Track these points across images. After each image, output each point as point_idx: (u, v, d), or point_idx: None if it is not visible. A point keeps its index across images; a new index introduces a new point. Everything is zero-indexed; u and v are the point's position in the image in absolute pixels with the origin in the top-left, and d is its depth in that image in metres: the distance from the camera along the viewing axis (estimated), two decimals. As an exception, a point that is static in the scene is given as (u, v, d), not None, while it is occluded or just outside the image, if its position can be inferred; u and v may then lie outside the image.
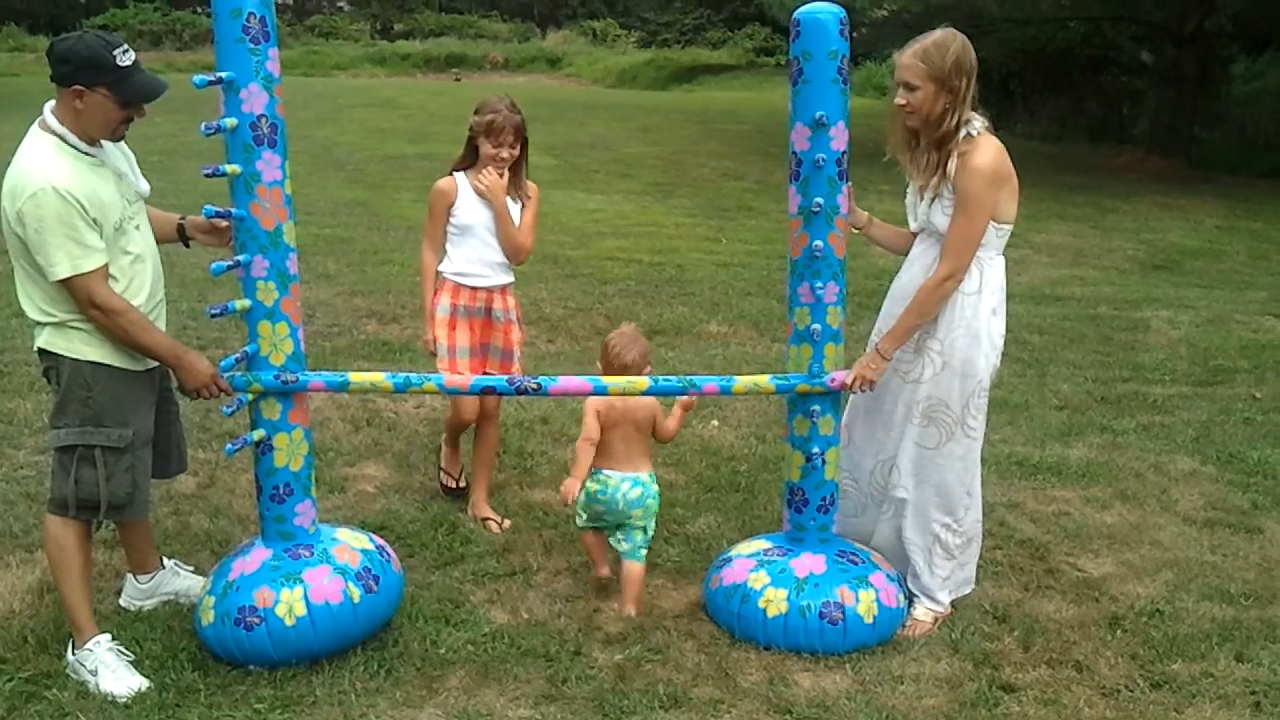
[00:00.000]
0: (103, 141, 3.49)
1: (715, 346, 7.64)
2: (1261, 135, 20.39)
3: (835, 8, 3.52)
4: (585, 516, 4.15)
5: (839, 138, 3.58)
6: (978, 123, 3.68)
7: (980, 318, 3.75)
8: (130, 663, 3.61)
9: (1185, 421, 6.28)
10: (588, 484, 4.04)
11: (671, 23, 47.36)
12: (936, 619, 3.96)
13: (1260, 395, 6.80)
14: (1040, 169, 17.82)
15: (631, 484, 4.04)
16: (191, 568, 4.22)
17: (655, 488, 4.12)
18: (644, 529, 4.09)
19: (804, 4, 3.56)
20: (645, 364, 4.05)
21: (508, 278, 4.81)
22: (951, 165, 3.65)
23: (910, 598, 4.01)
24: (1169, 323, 8.57)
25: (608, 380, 3.77)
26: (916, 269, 3.84)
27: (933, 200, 3.74)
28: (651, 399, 4.06)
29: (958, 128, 3.65)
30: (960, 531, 3.96)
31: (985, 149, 3.64)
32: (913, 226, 3.85)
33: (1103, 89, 22.88)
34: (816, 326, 3.71)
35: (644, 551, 4.09)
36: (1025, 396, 6.64)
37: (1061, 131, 22.52)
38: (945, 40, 3.63)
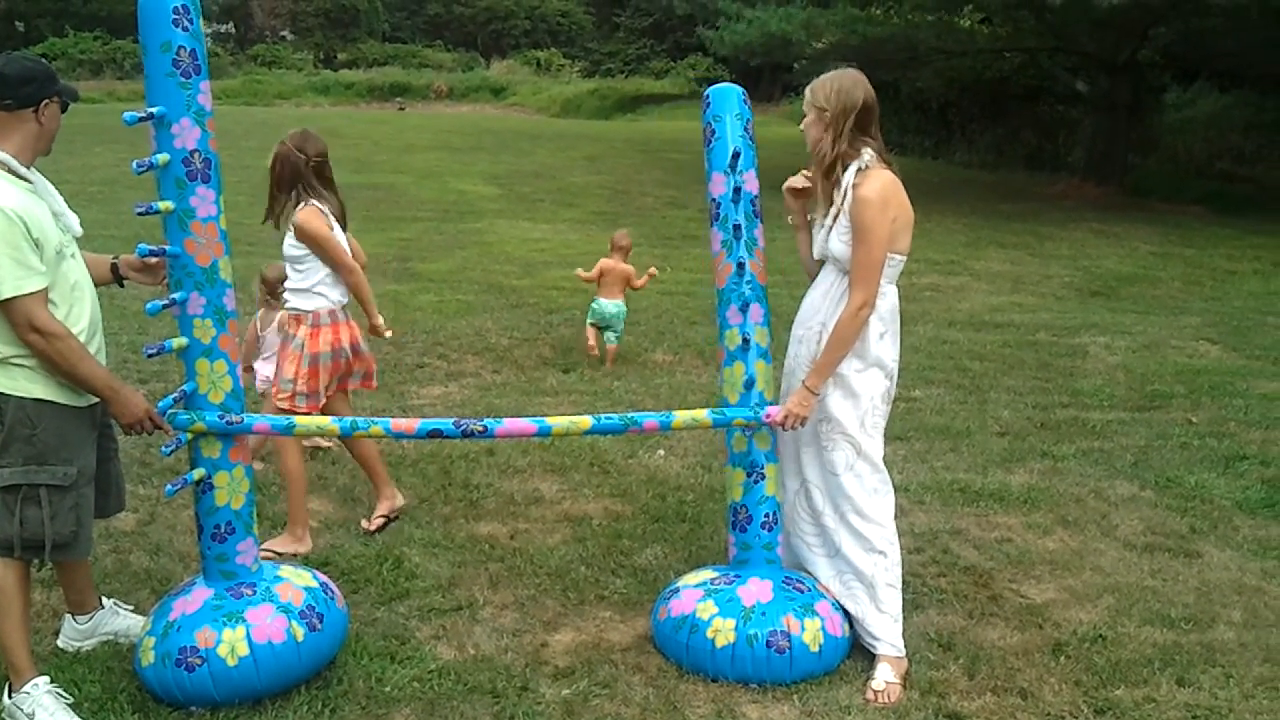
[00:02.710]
0: (34, 174, 3.46)
1: (661, 375, 7.66)
2: (1193, 163, 20.86)
3: (737, 88, 3.97)
4: (591, 319, 7.87)
5: (750, 179, 3.90)
6: (867, 156, 3.79)
7: (868, 342, 3.84)
8: (69, 705, 3.53)
9: (1124, 447, 6.38)
10: (592, 304, 7.85)
11: (615, 53, 47.67)
12: (903, 675, 3.86)
13: (1196, 420, 6.92)
14: (978, 197, 18.10)
15: (614, 305, 7.70)
16: (131, 607, 4.15)
17: (625, 309, 7.89)
18: (617, 330, 7.85)
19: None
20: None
21: None
22: (837, 195, 3.81)
23: (872, 658, 3.95)
24: (1106, 348, 8.71)
25: (551, 420, 3.76)
26: (817, 294, 3.95)
27: (830, 228, 3.86)
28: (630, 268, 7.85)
29: (837, 160, 3.81)
30: (892, 565, 3.96)
31: (874, 180, 3.75)
32: (815, 254, 3.93)
33: (1039, 118, 23.27)
34: (744, 336, 3.88)
35: (616, 337, 7.83)
36: (967, 423, 6.71)
37: (999, 160, 22.89)
38: (835, 77, 3.84)
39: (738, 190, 3.87)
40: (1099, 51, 18.97)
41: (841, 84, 3.80)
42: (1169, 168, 20.73)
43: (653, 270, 8.10)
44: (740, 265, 3.87)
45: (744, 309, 3.90)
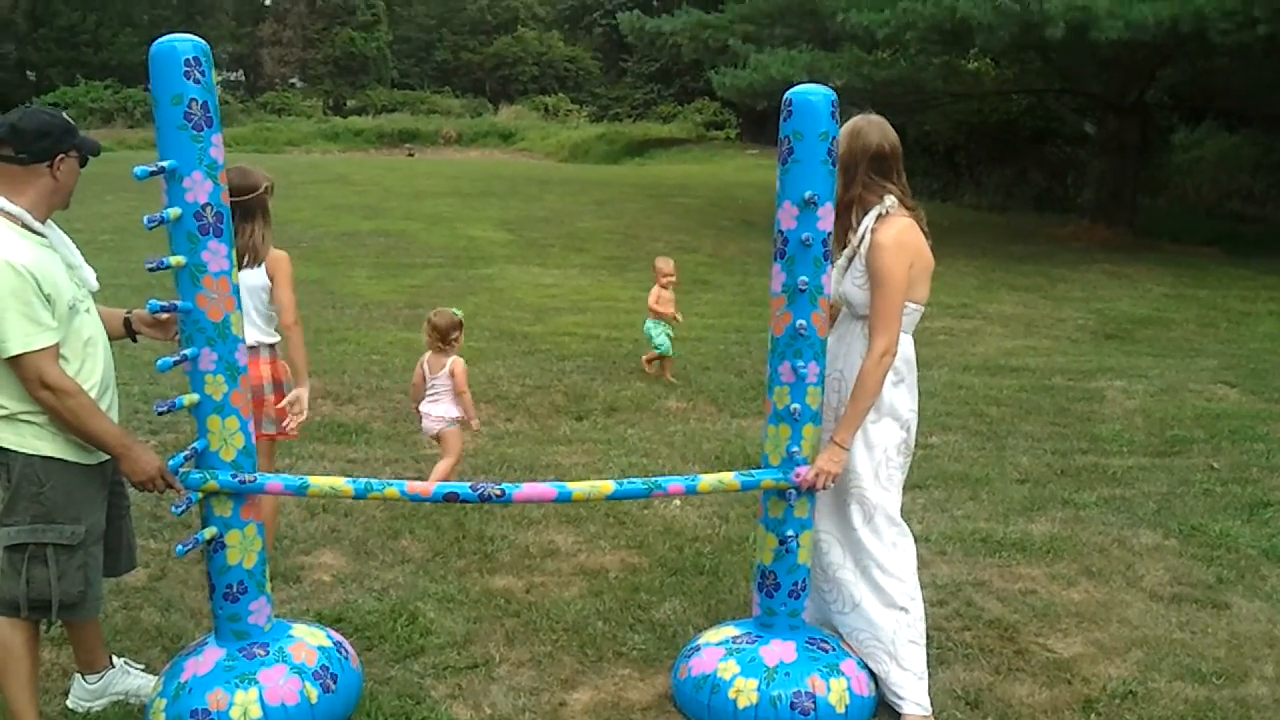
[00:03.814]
0: (50, 228, 3.43)
1: (675, 423, 7.59)
2: (1203, 203, 20.86)
3: (827, 90, 3.53)
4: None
5: (826, 218, 3.56)
6: (889, 201, 3.75)
7: (882, 391, 3.76)
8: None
9: (1146, 494, 6.29)
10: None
11: (622, 97, 48.00)
12: None
13: (1218, 465, 6.83)
14: (989, 239, 18.09)
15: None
16: (142, 666, 4.08)
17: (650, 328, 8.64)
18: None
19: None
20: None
21: None
22: (852, 237, 3.78)
23: (898, 717, 3.88)
24: (1124, 392, 8.63)
25: (572, 485, 3.68)
26: (833, 339, 3.88)
27: (844, 270, 3.82)
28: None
29: (851, 204, 3.77)
30: (915, 620, 3.89)
31: (891, 226, 3.72)
32: (831, 296, 3.84)
33: (1047, 159, 23.32)
34: (796, 406, 3.66)
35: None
36: (986, 470, 6.63)
37: (1008, 201, 22.92)
38: (852, 122, 3.80)
39: (807, 234, 3.53)
40: (1106, 92, 19.02)
41: (855, 128, 3.77)
42: (1179, 208, 20.74)
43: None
44: (800, 325, 3.61)
45: (799, 368, 3.65)
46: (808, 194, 3.49)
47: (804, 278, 3.56)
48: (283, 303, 4.65)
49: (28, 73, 49.58)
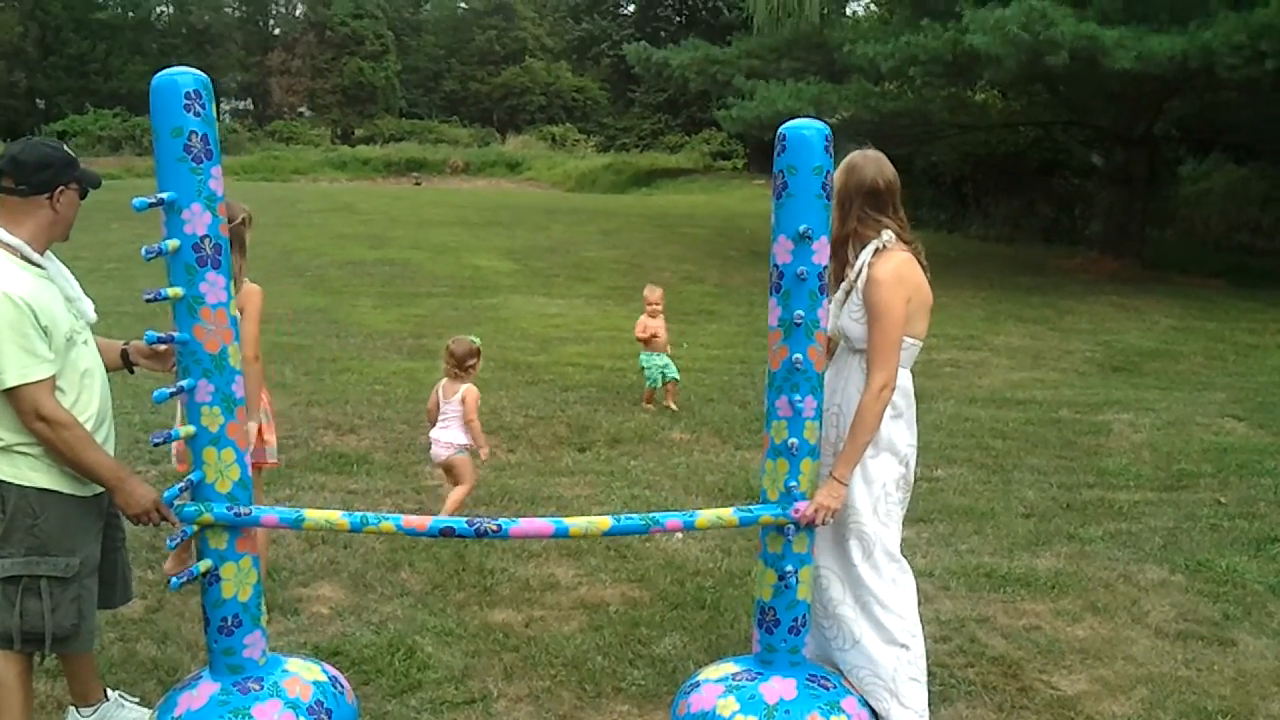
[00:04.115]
0: (49, 260, 3.42)
1: (678, 454, 7.55)
2: (1211, 235, 20.84)
3: (820, 125, 3.52)
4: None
5: (821, 251, 3.54)
6: (886, 236, 3.74)
7: (880, 426, 3.73)
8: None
9: (1152, 529, 6.24)
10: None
11: (630, 127, 48.18)
12: None
13: (1225, 500, 6.78)
14: (995, 271, 18.08)
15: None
16: (137, 699, 4.04)
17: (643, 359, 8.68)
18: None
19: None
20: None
21: None
22: (849, 272, 3.77)
23: None
24: (1130, 425, 8.58)
25: (569, 521, 3.65)
26: (830, 373, 3.85)
27: (841, 305, 3.81)
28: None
29: (847, 239, 3.77)
30: (916, 658, 3.84)
31: (888, 261, 3.71)
32: (829, 331, 3.81)
33: (1054, 191, 23.34)
34: (794, 441, 3.63)
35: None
36: (991, 504, 6.58)
37: (1015, 233, 22.93)
38: (849, 157, 3.79)
39: (802, 268, 3.51)
40: (1114, 125, 19.04)
41: (851, 164, 3.77)
42: (1187, 240, 20.73)
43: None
44: (797, 360, 3.58)
45: (796, 402, 3.62)
46: (802, 228, 3.48)
47: (800, 311, 3.54)
48: (246, 336, 4.61)
49: (37, 100, 49.95)
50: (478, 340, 5.93)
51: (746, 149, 39.28)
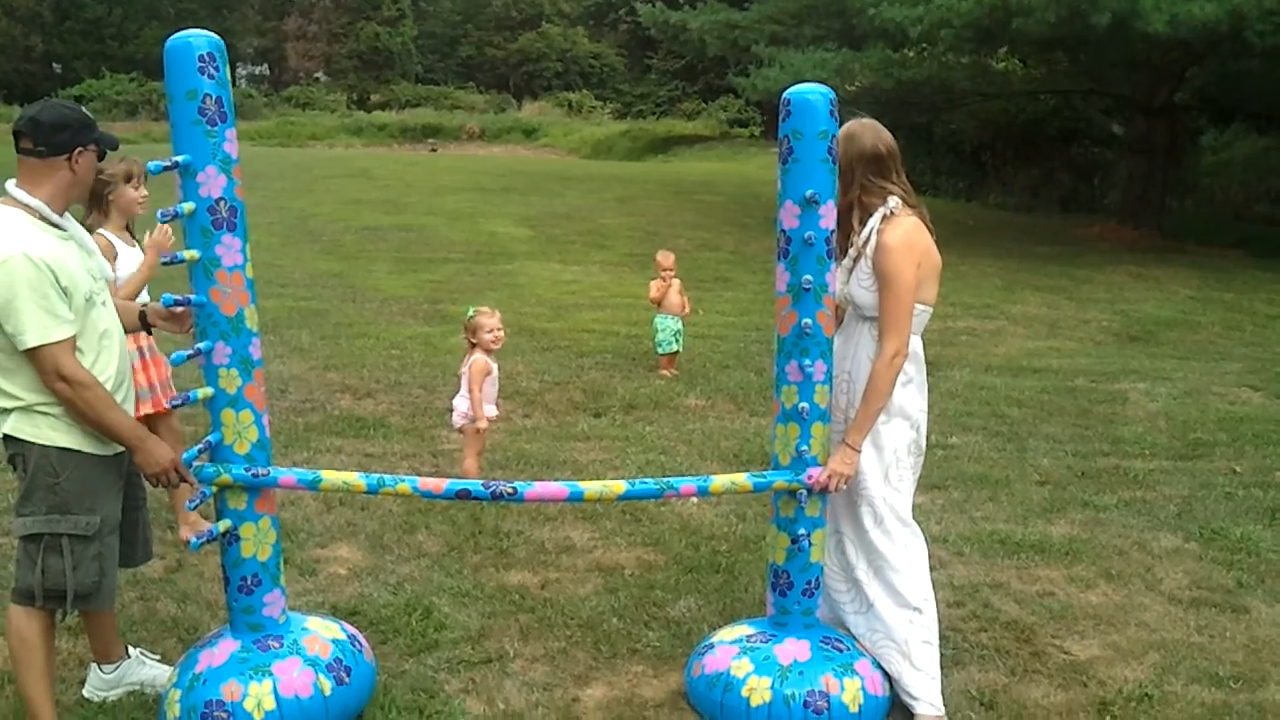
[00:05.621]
0: (67, 220, 3.44)
1: (693, 421, 7.57)
2: (1231, 205, 20.69)
3: (825, 89, 3.52)
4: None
5: (828, 216, 3.54)
6: (893, 202, 3.74)
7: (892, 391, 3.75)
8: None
9: (1167, 497, 6.24)
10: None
11: (647, 94, 47.98)
12: None
13: (1240, 469, 6.77)
14: (1013, 239, 18.00)
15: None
16: (158, 656, 4.09)
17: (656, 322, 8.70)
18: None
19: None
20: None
21: None
22: (856, 239, 3.76)
23: (911, 717, 3.86)
24: (1147, 395, 8.57)
25: (584, 485, 3.68)
26: (839, 340, 3.86)
27: (850, 272, 3.80)
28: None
29: (850, 207, 3.76)
30: (928, 621, 3.86)
31: (896, 226, 3.70)
32: (836, 297, 3.81)
33: (1074, 160, 23.18)
34: (804, 405, 3.65)
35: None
36: (1006, 471, 6.59)
37: (1034, 202, 22.79)
38: (846, 126, 3.75)
39: (810, 233, 3.52)
40: (1135, 94, 18.88)
41: (849, 132, 3.75)
42: (1206, 210, 20.58)
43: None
44: (806, 324, 3.59)
45: (806, 367, 3.63)
46: (809, 192, 3.48)
47: (808, 276, 3.55)
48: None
49: (53, 65, 49.95)
50: (471, 312, 6.04)
51: (763, 116, 39.10)
